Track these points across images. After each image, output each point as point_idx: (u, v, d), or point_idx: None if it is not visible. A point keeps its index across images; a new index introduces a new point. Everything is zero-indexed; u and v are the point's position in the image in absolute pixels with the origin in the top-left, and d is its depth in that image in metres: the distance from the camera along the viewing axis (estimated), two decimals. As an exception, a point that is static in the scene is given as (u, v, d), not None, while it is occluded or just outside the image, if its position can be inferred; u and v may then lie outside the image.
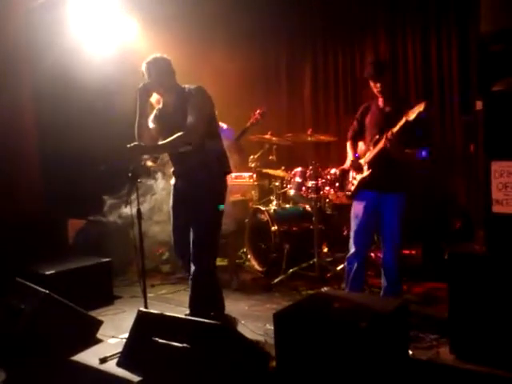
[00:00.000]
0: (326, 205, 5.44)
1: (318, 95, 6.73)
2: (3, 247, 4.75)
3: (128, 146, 3.37)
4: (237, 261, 5.74)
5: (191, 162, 3.59)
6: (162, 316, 2.87)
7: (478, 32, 4.45)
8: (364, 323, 2.61)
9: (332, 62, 6.56)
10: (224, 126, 5.13)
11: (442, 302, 4.05)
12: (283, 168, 5.74)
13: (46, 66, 5.24)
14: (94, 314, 3.84)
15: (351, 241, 3.98)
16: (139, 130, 3.61)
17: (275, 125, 6.47)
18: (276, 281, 5.00)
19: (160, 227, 4.49)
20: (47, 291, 3.43)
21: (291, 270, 5.05)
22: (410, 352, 3.18)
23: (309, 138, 5.21)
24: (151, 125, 3.75)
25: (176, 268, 5.43)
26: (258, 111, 5.61)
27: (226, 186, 3.78)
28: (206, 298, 3.67)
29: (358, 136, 4.16)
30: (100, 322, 3.64)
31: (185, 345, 2.58)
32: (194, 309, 3.67)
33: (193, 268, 3.61)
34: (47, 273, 4.30)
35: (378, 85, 3.84)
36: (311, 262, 5.02)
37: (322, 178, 5.11)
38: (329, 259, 5.33)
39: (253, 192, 5.97)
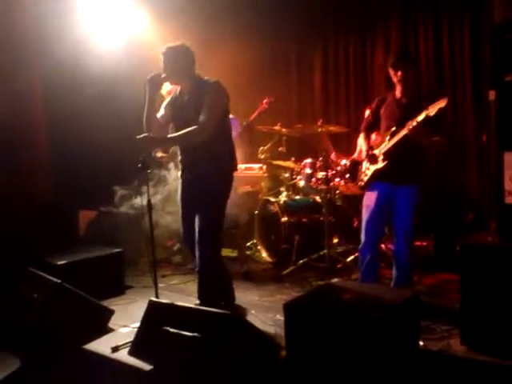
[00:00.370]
0: (336, 196, 5.43)
1: (328, 86, 6.72)
2: (16, 238, 4.78)
3: (138, 137, 3.38)
4: (247, 252, 5.75)
5: (201, 154, 3.60)
6: (172, 306, 2.88)
7: (491, 21, 4.41)
8: (374, 314, 2.61)
9: (343, 52, 6.53)
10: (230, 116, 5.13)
11: (453, 293, 4.03)
12: (293, 159, 5.73)
13: (55, 57, 5.25)
14: (105, 303, 3.85)
15: (362, 231, 3.96)
16: (148, 120, 3.62)
17: (285, 116, 6.47)
18: (286, 272, 5.01)
19: (172, 218, 4.50)
20: (59, 281, 3.45)
21: (301, 261, 5.05)
22: (421, 343, 3.17)
23: (319, 129, 5.19)
24: (163, 111, 3.75)
25: (187, 259, 5.44)
26: (265, 100, 5.61)
27: (231, 180, 3.78)
28: (215, 289, 3.69)
29: (371, 127, 4.12)
30: (111, 312, 3.67)
31: (195, 334, 2.59)
32: (204, 299, 3.69)
33: (198, 259, 3.63)
34: (59, 263, 4.32)
35: (399, 73, 3.76)
36: (321, 253, 5.01)
37: (332, 169, 5.09)
38: (339, 250, 5.32)
39: (262, 183, 5.98)
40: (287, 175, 5.77)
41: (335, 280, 4.13)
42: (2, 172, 5.11)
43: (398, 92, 3.88)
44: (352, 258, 5.05)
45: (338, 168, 5.06)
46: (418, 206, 3.83)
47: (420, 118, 3.53)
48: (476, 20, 5.39)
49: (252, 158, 5.72)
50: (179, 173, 3.86)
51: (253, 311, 3.98)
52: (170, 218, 4.57)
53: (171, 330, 2.68)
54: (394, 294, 3.15)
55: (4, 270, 4.28)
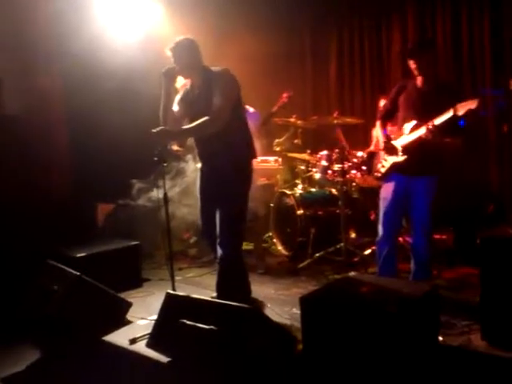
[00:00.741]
0: (353, 188, 5.40)
1: (343, 77, 6.67)
2: (36, 231, 4.84)
3: (153, 130, 3.38)
4: (263, 245, 5.75)
5: (217, 145, 3.59)
6: (189, 298, 2.89)
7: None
8: (393, 308, 2.59)
9: (358, 41, 6.48)
10: (250, 109, 5.12)
11: (473, 287, 3.97)
12: (309, 151, 5.70)
13: (73, 53, 5.28)
14: (123, 295, 3.88)
15: (380, 224, 3.91)
16: (164, 114, 3.62)
17: (300, 108, 6.44)
18: (302, 265, 5.00)
19: (188, 210, 4.51)
20: (78, 273, 3.48)
21: (317, 255, 5.04)
22: (441, 338, 3.14)
23: (335, 121, 5.15)
24: (176, 107, 3.75)
25: (203, 252, 5.46)
26: (285, 94, 5.58)
27: (251, 170, 3.77)
28: (233, 282, 3.69)
29: (389, 116, 4.04)
30: (129, 304, 3.69)
31: (212, 327, 2.60)
32: (221, 292, 3.70)
33: (220, 251, 3.63)
34: (78, 255, 4.37)
35: (412, 62, 3.67)
36: (338, 247, 4.99)
37: (349, 162, 5.05)
38: (356, 243, 5.30)
39: (278, 176, 5.96)
40: (303, 167, 5.75)
41: (352, 273, 4.12)
42: (23, 167, 5.17)
43: (419, 81, 3.77)
44: (369, 251, 5.01)
45: (355, 160, 5.02)
46: (436, 198, 3.78)
47: (445, 117, 3.43)
48: (496, 6, 5.28)
49: (268, 150, 5.70)
50: (198, 165, 3.86)
51: (269, 304, 3.99)
52: (186, 210, 4.57)
53: (188, 322, 2.69)
54: (412, 287, 3.11)
55: (25, 263, 4.34)
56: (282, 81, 6.51)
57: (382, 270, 3.93)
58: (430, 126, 3.49)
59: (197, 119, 3.47)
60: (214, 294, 3.76)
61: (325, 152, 5.32)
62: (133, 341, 2.88)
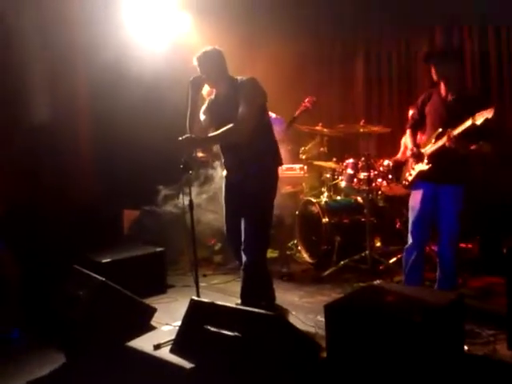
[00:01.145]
0: (379, 197, 5.36)
1: (371, 85, 6.63)
2: (63, 237, 4.92)
3: (180, 138, 3.42)
4: (287, 252, 5.74)
5: (243, 154, 3.60)
6: (214, 305, 2.90)
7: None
8: (418, 317, 2.56)
9: (386, 50, 6.43)
10: (273, 115, 5.13)
11: (499, 296, 3.91)
12: (334, 160, 5.68)
13: (100, 60, 5.37)
14: (147, 301, 3.90)
15: (409, 232, 3.90)
16: (190, 122, 3.64)
17: (327, 115, 6.43)
18: (327, 273, 4.98)
19: (214, 217, 4.53)
20: (103, 279, 3.52)
21: (342, 262, 5.01)
22: (466, 347, 3.10)
23: (361, 130, 5.12)
24: (202, 116, 3.78)
25: (228, 258, 5.48)
26: (307, 99, 5.58)
27: (277, 178, 3.77)
28: (258, 289, 3.69)
29: (418, 125, 4.03)
30: (154, 310, 3.72)
31: (236, 334, 2.61)
32: (246, 299, 3.69)
33: (244, 259, 3.64)
34: (104, 261, 4.42)
35: (433, 70, 3.68)
36: (363, 255, 4.96)
37: (375, 170, 5.02)
38: (381, 252, 5.25)
39: (303, 184, 5.96)
40: (329, 175, 5.73)
41: (377, 282, 4.09)
42: (50, 173, 5.27)
43: (442, 89, 3.77)
44: (394, 259, 4.97)
45: (381, 169, 4.99)
46: (463, 207, 3.74)
47: (464, 126, 3.43)
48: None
49: (293, 157, 5.70)
50: (224, 172, 3.89)
51: (293, 312, 3.97)
52: (212, 216, 4.60)
53: (212, 329, 2.70)
54: (437, 296, 3.09)
55: (52, 268, 4.41)
56: (310, 88, 6.48)
57: (408, 278, 3.91)
58: (451, 136, 3.49)
59: (223, 126, 3.50)
60: (239, 301, 3.76)
61: (351, 160, 5.29)
62: (157, 346, 2.90)
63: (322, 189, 5.80)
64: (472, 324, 3.41)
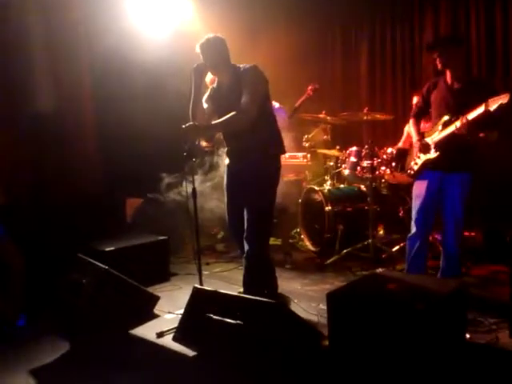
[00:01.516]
0: (382, 185, 5.33)
1: (374, 72, 6.59)
2: (66, 226, 4.93)
3: (183, 126, 3.41)
4: (290, 240, 5.74)
5: (245, 142, 3.59)
6: (216, 293, 2.91)
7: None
8: (420, 305, 2.56)
9: (390, 37, 6.38)
10: (276, 104, 5.10)
11: (502, 285, 3.92)
12: (338, 148, 5.67)
13: (103, 48, 5.35)
14: (150, 289, 3.93)
15: (413, 221, 3.88)
16: (193, 110, 3.62)
17: (330, 103, 6.40)
18: (329, 261, 4.98)
19: (217, 205, 4.52)
20: (107, 267, 3.54)
21: (345, 251, 5.01)
22: (468, 336, 3.11)
23: (364, 117, 5.10)
24: (205, 104, 3.76)
25: (231, 247, 5.49)
26: (310, 87, 5.55)
27: (280, 167, 3.76)
28: (260, 277, 3.69)
29: (422, 113, 4.00)
30: (157, 298, 3.74)
31: (238, 322, 2.62)
32: (248, 287, 3.71)
33: (247, 247, 3.64)
34: (107, 249, 4.43)
35: (437, 58, 3.64)
36: (365, 243, 4.96)
37: (378, 158, 5.00)
38: (384, 240, 5.25)
39: (307, 172, 5.94)
40: (332, 164, 5.72)
41: (379, 270, 4.09)
42: (53, 162, 5.27)
43: (448, 77, 3.73)
44: (397, 247, 4.96)
45: (384, 156, 4.97)
46: (468, 195, 3.73)
47: (477, 112, 3.35)
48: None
49: (296, 145, 5.68)
50: (226, 161, 3.88)
51: (296, 300, 3.98)
52: (215, 205, 4.59)
53: (215, 317, 2.71)
54: (440, 284, 3.08)
55: (56, 257, 4.43)
56: (313, 75, 6.45)
57: (411, 265, 3.89)
58: (465, 121, 3.43)
59: (227, 114, 3.48)
60: (241, 289, 3.77)
61: (354, 148, 5.27)
62: (160, 334, 2.92)
63: (325, 177, 5.79)
64: (474, 312, 3.41)
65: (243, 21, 6.07)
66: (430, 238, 4.71)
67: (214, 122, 3.61)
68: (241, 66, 3.62)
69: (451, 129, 3.57)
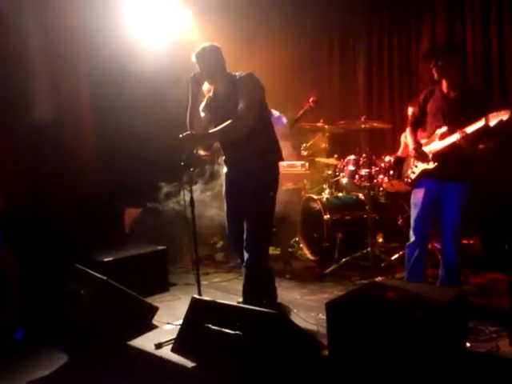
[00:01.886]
0: (380, 193, 5.34)
1: (371, 81, 6.61)
2: (64, 236, 4.92)
3: (180, 135, 3.41)
4: (289, 250, 5.73)
5: (243, 150, 3.60)
6: (215, 303, 2.90)
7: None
8: (420, 313, 2.55)
9: (387, 45, 6.41)
10: (276, 113, 5.11)
11: (502, 293, 3.91)
12: (336, 156, 5.68)
13: (102, 57, 5.36)
14: (149, 300, 3.91)
15: (411, 229, 3.88)
16: (191, 118, 3.63)
17: (327, 112, 6.41)
18: (329, 270, 4.97)
19: (218, 213, 4.52)
20: (105, 277, 3.52)
21: (344, 260, 5.00)
22: (468, 344, 3.09)
23: (362, 126, 5.11)
24: (202, 113, 3.77)
25: (230, 256, 5.48)
26: (311, 99, 5.57)
27: (278, 175, 3.76)
28: (259, 287, 3.68)
29: (419, 122, 4.00)
30: (156, 309, 3.72)
31: (237, 332, 2.60)
32: (247, 297, 3.69)
33: (246, 256, 3.63)
34: (105, 260, 4.41)
35: (432, 65, 3.65)
36: (365, 252, 4.95)
37: (376, 166, 5.01)
38: (383, 249, 5.24)
39: (305, 181, 5.95)
40: (330, 172, 5.72)
41: (379, 279, 4.09)
42: (51, 171, 5.27)
43: (444, 86, 3.74)
44: (396, 256, 4.96)
45: (382, 165, 4.98)
46: (466, 204, 3.73)
47: (477, 126, 3.36)
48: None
49: (295, 155, 5.69)
50: (224, 169, 3.88)
51: (295, 310, 3.97)
52: (215, 214, 4.58)
53: (213, 327, 2.70)
54: (439, 293, 3.08)
55: (53, 267, 4.41)
56: (310, 84, 6.49)
57: (410, 274, 3.89)
58: (463, 134, 3.43)
59: (224, 122, 3.49)
60: (240, 299, 3.76)
61: (352, 157, 5.28)
62: (158, 345, 2.91)
63: (324, 185, 5.79)
64: (474, 321, 3.39)
65: (241, 30, 6.10)
66: (430, 246, 4.72)
67: (211, 131, 3.62)
68: (236, 74, 3.63)
69: (450, 140, 3.57)
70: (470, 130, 3.41)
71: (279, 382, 2.54)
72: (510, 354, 3.03)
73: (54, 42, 5.22)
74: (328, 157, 5.75)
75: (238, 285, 3.97)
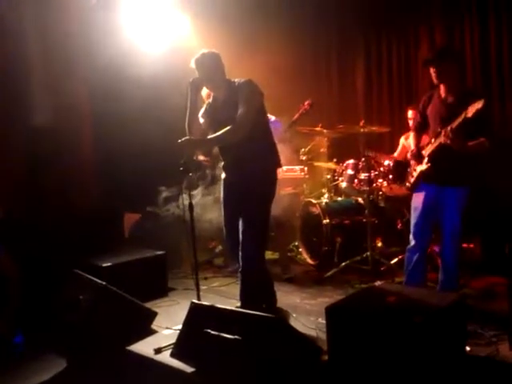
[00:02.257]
0: (379, 197, 5.34)
1: (370, 85, 6.61)
2: (63, 241, 4.91)
3: (179, 140, 3.41)
4: (288, 254, 5.73)
5: (241, 155, 3.60)
6: (214, 308, 2.89)
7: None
8: (419, 317, 2.55)
9: (386, 50, 6.42)
10: (272, 117, 5.11)
11: (501, 296, 3.90)
12: (335, 160, 5.68)
13: (101, 64, 5.37)
14: (148, 305, 3.91)
15: (411, 234, 3.90)
16: (190, 124, 3.64)
17: (326, 116, 6.42)
18: (328, 274, 4.96)
19: (217, 219, 4.51)
20: (104, 283, 3.51)
21: (343, 264, 5.00)
22: (468, 348, 3.09)
23: (361, 130, 5.11)
24: (201, 119, 3.77)
25: (229, 261, 5.47)
26: (306, 102, 5.58)
27: (276, 180, 3.76)
28: (257, 291, 3.68)
29: (422, 128, 4.03)
30: (155, 314, 3.71)
31: (236, 337, 2.60)
32: (246, 301, 3.69)
33: (243, 261, 3.63)
34: (104, 265, 4.41)
35: (432, 71, 3.68)
36: (364, 256, 4.95)
37: (375, 170, 5.01)
38: (382, 253, 5.24)
39: (304, 185, 5.95)
40: (329, 176, 5.72)
41: (378, 283, 4.08)
42: (50, 176, 5.26)
43: (442, 90, 3.78)
44: (396, 260, 4.96)
45: (381, 169, 4.98)
46: (466, 208, 3.73)
47: (458, 121, 3.44)
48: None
49: (293, 159, 5.69)
50: (222, 175, 3.88)
51: (294, 314, 3.96)
52: (213, 219, 4.58)
53: (212, 332, 2.69)
54: (439, 297, 3.08)
55: (52, 272, 4.40)
56: (309, 90, 6.49)
57: (410, 278, 3.89)
58: (448, 132, 3.50)
59: (222, 128, 3.49)
60: (239, 304, 3.75)
61: (351, 161, 5.28)
62: (158, 350, 2.89)
63: (323, 190, 5.79)
64: (474, 325, 3.39)
65: (240, 38, 6.11)
66: (429, 250, 4.71)
67: (209, 137, 3.62)
68: (236, 80, 3.63)
69: (440, 140, 3.61)
70: (453, 125, 3.48)
71: (278, 386, 2.54)
72: (510, 358, 3.03)
73: (53, 47, 5.23)
74: (327, 161, 5.75)
75: (236, 289, 3.96)
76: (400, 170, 4.35)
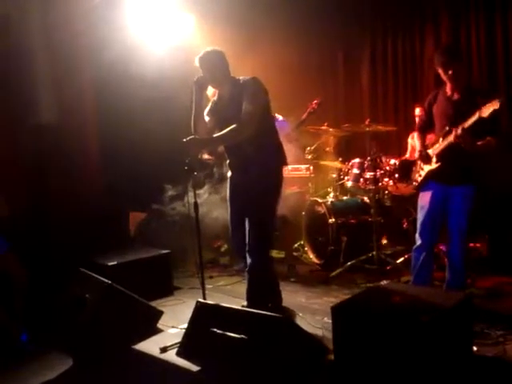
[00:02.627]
0: (385, 196, 5.33)
1: (376, 84, 6.60)
2: (68, 240, 4.92)
3: (184, 139, 3.41)
4: (294, 253, 5.72)
5: (247, 154, 3.59)
6: (220, 307, 2.89)
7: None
8: (425, 317, 2.53)
9: (391, 48, 6.40)
10: (279, 117, 5.11)
11: (508, 296, 3.89)
12: (340, 159, 5.66)
13: (106, 63, 5.37)
14: (154, 304, 3.91)
15: (418, 233, 3.87)
16: (195, 123, 3.63)
17: (332, 115, 6.41)
18: (334, 273, 4.95)
19: (222, 218, 4.51)
20: (110, 282, 3.52)
21: (349, 263, 4.98)
22: (475, 348, 3.07)
23: (367, 129, 5.09)
24: (207, 118, 3.77)
25: (234, 260, 5.46)
26: (314, 101, 5.57)
27: (282, 179, 3.75)
28: (263, 290, 3.67)
29: (427, 126, 4.00)
30: (160, 313, 3.71)
31: (242, 336, 2.59)
32: (252, 300, 3.68)
33: (249, 260, 3.62)
34: (110, 264, 4.41)
35: (450, 72, 3.62)
36: (370, 255, 4.93)
37: (381, 169, 4.99)
38: (388, 252, 5.22)
39: (310, 184, 5.94)
40: (335, 175, 5.71)
41: (384, 282, 4.06)
42: (55, 175, 5.27)
43: (448, 89, 3.75)
44: (402, 259, 4.94)
45: (387, 168, 4.96)
46: (473, 207, 3.71)
47: (471, 120, 3.40)
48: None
49: (299, 158, 5.68)
50: (228, 173, 3.87)
51: (300, 313, 3.95)
52: (219, 218, 4.57)
53: (218, 331, 2.69)
54: (445, 296, 3.06)
55: (58, 271, 4.41)
56: (315, 89, 6.48)
57: (416, 278, 3.87)
58: (459, 131, 3.46)
59: (227, 127, 3.49)
60: (245, 303, 3.74)
61: (357, 160, 5.27)
62: (163, 349, 2.89)
63: (329, 189, 5.78)
64: (481, 324, 3.36)
65: (246, 37, 6.10)
66: (436, 249, 4.69)
67: (215, 136, 3.62)
68: (241, 78, 3.63)
69: (449, 139, 3.58)
70: (466, 125, 3.44)
71: (284, 386, 2.53)
72: (518, 358, 3.01)
73: (59, 46, 5.23)
74: (332, 160, 5.73)
75: (242, 288, 3.96)
76: (406, 168, 4.31)
